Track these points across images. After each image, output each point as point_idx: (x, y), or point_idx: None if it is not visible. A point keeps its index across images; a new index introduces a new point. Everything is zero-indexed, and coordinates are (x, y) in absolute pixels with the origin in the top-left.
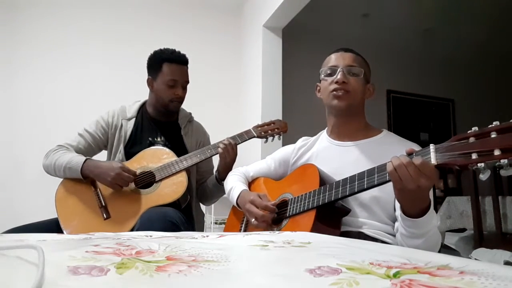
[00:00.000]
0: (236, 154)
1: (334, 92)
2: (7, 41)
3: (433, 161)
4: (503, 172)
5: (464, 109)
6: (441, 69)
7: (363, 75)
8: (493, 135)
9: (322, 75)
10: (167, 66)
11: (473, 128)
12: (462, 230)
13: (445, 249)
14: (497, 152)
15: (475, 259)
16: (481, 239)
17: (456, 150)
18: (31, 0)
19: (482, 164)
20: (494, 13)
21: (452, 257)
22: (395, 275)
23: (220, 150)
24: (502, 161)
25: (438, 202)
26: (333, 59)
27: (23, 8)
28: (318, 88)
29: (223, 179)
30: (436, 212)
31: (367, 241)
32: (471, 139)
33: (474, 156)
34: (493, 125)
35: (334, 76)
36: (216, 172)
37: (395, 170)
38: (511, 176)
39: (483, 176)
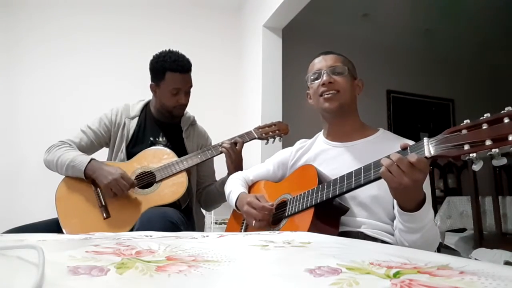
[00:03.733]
0: (239, 151)
1: (325, 96)
2: (7, 40)
3: (427, 153)
4: (495, 162)
5: (464, 109)
6: (441, 69)
7: (348, 71)
8: (485, 126)
9: (309, 82)
10: (170, 75)
11: (465, 121)
12: (462, 230)
13: (445, 249)
14: (488, 142)
15: (475, 259)
16: (481, 239)
17: (449, 142)
18: None
19: (474, 155)
20: (494, 13)
21: (452, 257)
22: (395, 275)
23: (224, 150)
24: (493, 150)
25: (438, 202)
26: (316, 63)
27: (22, 6)
28: (309, 95)
29: None
30: (436, 212)
31: (367, 241)
32: (464, 131)
33: (466, 147)
34: (484, 117)
35: (320, 79)
36: (227, 174)
37: (387, 170)
38: (511, 176)
39: (476, 167)
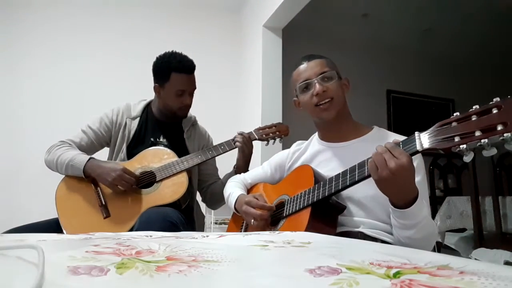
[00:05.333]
0: (252, 146)
1: (321, 106)
2: (8, 41)
3: (418, 147)
4: (485, 153)
5: (464, 109)
6: (441, 69)
7: (336, 75)
8: (474, 117)
9: (299, 92)
10: (176, 76)
11: (455, 114)
12: (462, 230)
13: (445, 249)
14: (477, 133)
15: (475, 259)
16: (481, 239)
17: (440, 135)
18: None
19: (465, 146)
20: (494, 13)
21: (452, 257)
22: (395, 275)
23: (238, 144)
24: (483, 141)
25: (438, 202)
26: (302, 72)
27: (22, 7)
28: (297, 102)
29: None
30: (436, 212)
31: (367, 241)
32: (453, 124)
33: (456, 139)
34: (473, 109)
35: (312, 90)
36: (234, 167)
37: (373, 161)
38: (511, 176)
39: (467, 158)
